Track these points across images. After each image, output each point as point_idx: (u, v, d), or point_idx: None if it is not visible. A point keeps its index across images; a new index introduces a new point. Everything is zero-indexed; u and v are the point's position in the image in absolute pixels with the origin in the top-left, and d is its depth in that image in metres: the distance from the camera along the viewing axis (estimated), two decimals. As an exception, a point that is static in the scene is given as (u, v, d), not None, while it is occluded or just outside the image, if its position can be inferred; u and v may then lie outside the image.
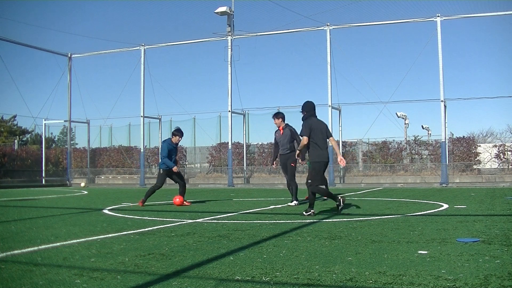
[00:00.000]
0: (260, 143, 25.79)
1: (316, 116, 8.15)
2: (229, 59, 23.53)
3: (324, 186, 9.31)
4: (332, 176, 21.78)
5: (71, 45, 50.43)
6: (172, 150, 10.75)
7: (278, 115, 10.55)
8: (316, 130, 7.86)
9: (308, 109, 8.09)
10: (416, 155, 23.05)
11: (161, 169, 10.76)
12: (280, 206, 10.01)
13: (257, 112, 26.44)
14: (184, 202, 10.52)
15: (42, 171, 27.33)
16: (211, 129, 28.02)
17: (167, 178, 11.01)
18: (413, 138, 23.61)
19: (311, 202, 7.79)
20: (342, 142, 23.51)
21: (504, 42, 29.12)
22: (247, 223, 6.76)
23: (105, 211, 9.19)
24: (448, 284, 3.12)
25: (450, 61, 37.17)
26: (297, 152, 8.52)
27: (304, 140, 7.83)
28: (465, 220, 6.70)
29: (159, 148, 26.98)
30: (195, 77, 42.49)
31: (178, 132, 10.82)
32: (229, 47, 23.49)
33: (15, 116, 37.58)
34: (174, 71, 41.16)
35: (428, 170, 22.35)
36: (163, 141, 10.96)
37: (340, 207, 7.96)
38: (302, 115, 8.14)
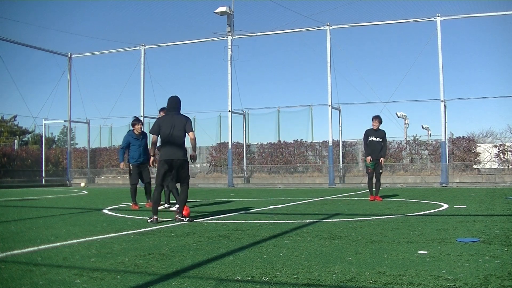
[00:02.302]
0: (260, 143, 25.80)
1: (172, 112, 7.42)
2: (229, 59, 23.53)
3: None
4: (332, 176, 21.79)
5: (71, 45, 50.48)
6: (134, 142, 9.95)
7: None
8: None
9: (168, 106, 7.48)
10: (416, 155, 23.05)
11: (131, 164, 10.01)
12: (280, 206, 10.01)
13: (257, 112, 26.46)
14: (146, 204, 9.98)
15: (42, 171, 27.33)
16: (211, 129, 28.05)
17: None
18: (413, 138, 23.61)
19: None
20: (342, 142, 23.53)
21: (504, 42, 29.13)
22: (247, 223, 6.76)
23: (105, 211, 9.19)
24: (448, 284, 3.12)
25: (450, 61, 37.15)
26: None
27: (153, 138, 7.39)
28: (465, 220, 6.70)
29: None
30: (195, 77, 42.49)
31: (137, 121, 10.16)
32: (229, 47, 23.48)
33: (15, 116, 37.59)
34: (174, 71, 41.13)
35: (428, 170, 22.34)
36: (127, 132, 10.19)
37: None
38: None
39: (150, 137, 7.63)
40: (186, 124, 7.27)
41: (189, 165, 7.36)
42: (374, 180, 10.93)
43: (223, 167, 25.46)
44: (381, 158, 10.96)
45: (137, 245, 4.91)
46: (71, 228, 6.52)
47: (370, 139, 10.82)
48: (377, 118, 10.92)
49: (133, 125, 10.11)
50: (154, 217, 6.95)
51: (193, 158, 7.26)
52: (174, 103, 7.47)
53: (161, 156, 7.31)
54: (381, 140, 10.84)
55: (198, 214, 8.30)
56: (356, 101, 24.56)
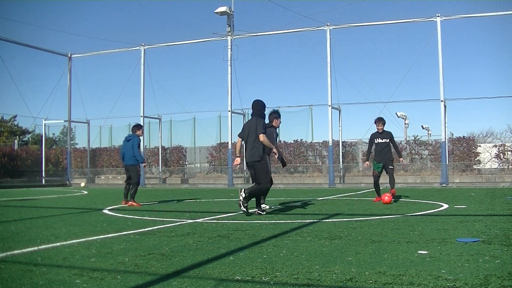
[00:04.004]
0: (260, 143, 25.74)
1: (253, 116, 8.07)
2: (229, 59, 23.53)
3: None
4: (332, 176, 21.79)
5: (71, 45, 50.51)
6: (139, 144, 11.06)
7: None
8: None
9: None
10: (416, 155, 23.05)
11: (138, 165, 10.89)
12: (280, 206, 10.00)
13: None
14: (132, 203, 10.47)
15: (42, 171, 27.32)
16: (211, 129, 28.05)
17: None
18: (413, 138, 23.61)
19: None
20: (342, 142, 23.52)
21: (504, 42, 29.13)
22: (247, 223, 6.76)
23: (105, 211, 9.19)
24: (448, 284, 3.12)
25: (450, 61, 37.14)
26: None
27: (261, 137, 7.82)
28: (465, 220, 6.70)
29: (159, 148, 27.01)
30: (195, 77, 42.50)
31: (141, 126, 11.46)
32: (229, 47, 23.48)
33: (15, 116, 37.62)
34: (174, 71, 41.15)
35: (428, 170, 22.33)
36: (132, 136, 10.94)
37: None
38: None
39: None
40: (257, 127, 7.79)
41: (261, 165, 7.79)
42: (387, 180, 10.92)
43: (223, 167, 25.46)
44: (400, 159, 11.39)
45: (137, 245, 4.91)
46: (71, 228, 6.52)
47: (376, 141, 10.74)
48: (380, 120, 10.81)
49: (138, 129, 11.17)
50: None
51: (276, 154, 8.10)
52: (254, 106, 8.06)
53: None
54: (388, 141, 10.70)
55: (198, 213, 8.30)
56: (356, 101, 24.57)
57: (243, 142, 8.14)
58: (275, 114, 9.41)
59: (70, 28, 50.16)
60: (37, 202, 12.59)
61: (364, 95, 27.13)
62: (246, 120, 25.49)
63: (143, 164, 11.27)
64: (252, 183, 7.95)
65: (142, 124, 11.77)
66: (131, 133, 11.27)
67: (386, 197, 9.92)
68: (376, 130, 10.81)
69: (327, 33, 22.03)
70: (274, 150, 8.13)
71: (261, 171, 7.75)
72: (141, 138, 11.30)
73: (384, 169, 10.78)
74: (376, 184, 10.88)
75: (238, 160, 8.23)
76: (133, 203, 10.46)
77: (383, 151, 10.71)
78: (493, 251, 4.22)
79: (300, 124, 26.35)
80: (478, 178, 21.20)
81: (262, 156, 7.72)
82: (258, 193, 7.91)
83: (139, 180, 10.95)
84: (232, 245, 4.80)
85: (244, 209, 7.70)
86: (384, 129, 10.84)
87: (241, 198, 7.71)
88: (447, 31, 21.91)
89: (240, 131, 8.07)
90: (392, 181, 10.79)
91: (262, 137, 7.70)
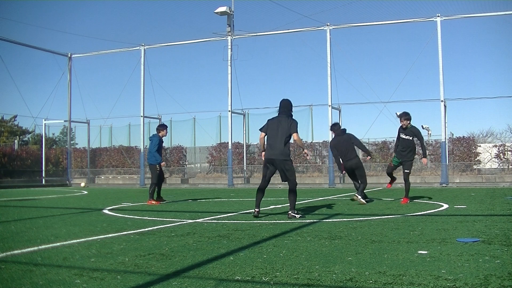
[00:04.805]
0: (260, 143, 25.76)
1: (281, 114, 8.02)
2: (229, 59, 23.53)
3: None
4: (332, 176, 21.78)
5: (71, 45, 50.54)
6: (161, 145, 11.30)
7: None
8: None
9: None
10: (417, 155, 22.97)
11: (157, 165, 11.07)
12: (280, 206, 10.00)
13: (257, 112, 26.40)
14: (151, 201, 10.83)
15: (42, 171, 27.32)
16: (211, 129, 28.04)
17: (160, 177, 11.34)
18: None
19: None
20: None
21: (504, 42, 29.13)
22: (247, 223, 6.76)
23: (105, 211, 9.19)
24: (448, 284, 3.12)
25: (450, 61, 37.11)
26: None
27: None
28: (465, 220, 6.70)
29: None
30: (195, 77, 42.50)
31: (165, 127, 11.49)
32: (229, 47, 23.48)
33: (15, 116, 37.62)
34: (174, 71, 41.17)
35: (428, 170, 22.33)
36: (154, 136, 11.18)
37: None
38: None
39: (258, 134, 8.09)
40: (291, 126, 7.80)
41: (291, 164, 7.83)
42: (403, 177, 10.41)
43: (223, 167, 25.46)
44: (423, 159, 10.55)
45: (137, 245, 4.90)
46: (71, 228, 6.52)
47: (401, 136, 10.20)
48: (403, 115, 10.13)
49: (162, 129, 11.31)
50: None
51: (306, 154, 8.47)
52: (284, 105, 8.09)
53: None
54: (411, 138, 10.03)
55: (198, 213, 8.30)
56: (356, 101, 24.56)
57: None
58: None
59: (70, 28, 50.18)
60: (37, 202, 12.59)
61: (364, 95, 27.10)
62: (246, 120, 25.65)
63: (162, 164, 11.32)
64: (265, 180, 7.86)
65: (166, 124, 11.87)
66: (155, 132, 11.45)
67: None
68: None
69: (327, 33, 22.03)
70: (306, 150, 8.54)
71: (292, 169, 7.79)
72: (163, 138, 11.48)
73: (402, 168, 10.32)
74: (390, 173, 10.69)
75: (263, 154, 8.11)
76: (152, 202, 10.80)
77: (404, 150, 10.15)
78: (493, 251, 4.22)
79: (300, 124, 26.15)
80: (478, 178, 21.20)
81: (289, 155, 7.82)
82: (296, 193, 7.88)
83: (159, 180, 11.14)
84: (232, 245, 4.80)
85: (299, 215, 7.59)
86: (412, 124, 10.11)
87: (292, 214, 7.48)
88: (447, 31, 21.87)
89: (265, 126, 7.86)
90: (405, 187, 10.26)
91: (297, 136, 7.79)
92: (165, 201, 11.47)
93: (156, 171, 11.05)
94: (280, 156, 7.62)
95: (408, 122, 10.07)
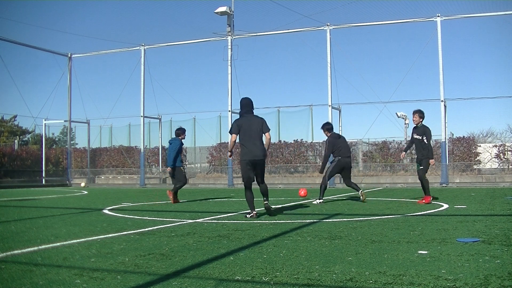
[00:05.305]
0: (260, 143, 25.74)
1: (248, 114, 7.89)
2: (229, 59, 23.53)
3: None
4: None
5: (71, 45, 50.58)
6: (181, 148, 11.72)
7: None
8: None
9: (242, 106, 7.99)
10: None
11: (181, 166, 11.70)
12: (280, 206, 10.01)
13: (257, 112, 26.32)
14: (170, 195, 11.27)
15: (42, 171, 27.32)
16: (211, 129, 28.06)
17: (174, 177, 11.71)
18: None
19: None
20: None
21: (504, 42, 29.12)
22: (247, 223, 6.76)
23: (105, 211, 9.19)
24: (448, 284, 3.12)
25: (450, 61, 37.11)
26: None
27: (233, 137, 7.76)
28: (465, 220, 6.70)
29: (159, 148, 27.01)
30: (195, 77, 42.51)
31: (184, 130, 11.91)
32: (229, 47, 23.48)
33: (15, 116, 37.62)
34: (174, 71, 41.18)
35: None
36: (175, 140, 11.62)
37: (248, 217, 7.53)
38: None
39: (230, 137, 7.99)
40: (264, 125, 7.79)
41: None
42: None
43: (223, 167, 25.46)
44: (430, 160, 9.76)
45: (137, 245, 4.90)
46: (71, 228, 6.52)
47: (414, 136, 9.94)
48: (415, 113, 9.89)
49: (183, 133, 11.75)
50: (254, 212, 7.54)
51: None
52: (248, 104, 8.00)
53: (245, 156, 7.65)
54: (420, 138, 9.73)
55: (198, 213, 8.30)
56: (356, 101, 24.54)
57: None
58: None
59: (70, 28, 50.20)
60: (37, 202, 12.59)
61: (364, 95, 27.12)
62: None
63: (168, 169, 11.77)
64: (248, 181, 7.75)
65: (185, 128, 12.14)
66: (174, 136, 11.92)
67: (302, 191, 11.83)
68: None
69: (327, 33, 22.02)
70: (270, 150, 8.31)
71: (264, 169, 7.88)
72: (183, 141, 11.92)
73: None
74: (422, 183, 9.95)
75: (230, 155, 8.18)
76: (171, 196, 11.21)
77: (417, 149, 9.93)
78: (493, 251, 4.22)
79: (300, 124, 26.35)
80: (478, 178, 21.20)
81: None
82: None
83: (184, 180, 11.56)
84: (232, 245, 4.80)
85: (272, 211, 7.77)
86: (423, 123, 9.85)
87: (267, 208, 7.70)
88: (447, 31, 21.87)
89: (235, 127, 7.70)
90: (422, 186, 9.87)
91: (269, 136, 7.83)
92: (179, 201, 11.56)
93: (182, 172, 11.56)
94: (262, 156, 7.64)
95: (420, 119, 9.88)
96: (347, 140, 11.18)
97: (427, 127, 9.90)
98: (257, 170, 7.67)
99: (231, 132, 7.82)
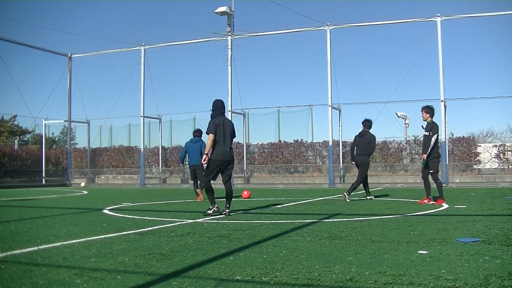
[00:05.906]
0: (260, 143, 25.78)
1: (221, 115, 8.06)
2: (229, 59, 23.53)
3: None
4: (332, 176, 21.79)
5: (71, 45, 50.53)
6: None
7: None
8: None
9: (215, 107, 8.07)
10: (416, 155, 23.03)
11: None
12: (280, 206, 10.01)
13: (257, 112, 26.36)
14: (200, 192, 11.88)
15: (42, 171, 27.32)
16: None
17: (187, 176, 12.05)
18: (413, 138, 23.60)
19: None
20: (342, 142, 23.51)
21: (504, 42, 29.06)
22: (247, 223, 6.76)
23: (105, 211, 9.19)
24: (448, 284, 3.12)
25: (450, 61, 37.01)
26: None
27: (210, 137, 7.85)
28: (465, 220, 6.70)
29: (159, 148, 27.01)
30: (195, 77, 42.42)
31: (202, 132, 12.24)
32: (229, 47, 23.48)
33: (15, 116, 37.59)
34: (174, 71, 41.08)
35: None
36: (198, 139, 12.19)
37: (210, 213, 8.06)
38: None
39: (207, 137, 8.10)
40: (233, 128, 8.08)
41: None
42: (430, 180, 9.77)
43: (223, 167, 25.42)
44: (423, 155, 9.70)
45: (137, 245, 4.91)
46: (71, 228, 6.52)
47: (424, 133, 9.75)
48: (424, 109, 9.71)
49: (200, 134, 12.26)
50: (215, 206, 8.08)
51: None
52: (222, 106, 8.09)
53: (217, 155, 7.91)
54: (428, 134, 9.51)
55: (198, 213, 8.30)
56: (356, 101, 24.52)
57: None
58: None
59: (70, 28, 50.11)
60: (37, 202, 12.59)
61: (364, 95, 27.08)
62: (246, 120, 25.65)
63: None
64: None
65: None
66: (194, 136, 12.38)
67: (245, 192, 12.41)
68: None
69: (327, 33, 22.03)
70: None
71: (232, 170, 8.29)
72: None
73: None
74: (424, 183, 9.85)
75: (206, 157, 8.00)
76: (200, 193, 11.77)
77: (424, 147, 9.70)
78: (493, 251, 4.22)
79: (300, 124, 26.33)
80: (478, 178, 21.20)
81: None
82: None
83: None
84: (232, 245, 4.80)
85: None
86: (433, 121, 9.67)
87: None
88: (447, 31, 21.82)
89: (212, 127, 7.73)
90: (437, 188, 9.66)
91: (211, 137, 7.82)
92: (200, 200, 11.85)
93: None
94: (232, 157, 8.04)
95: (427, 115, 9.67)
96: (373, 140, 11.55)
97: (435, 123, 9.68)
98: (227, 170, 8.08)
99: (209, 132, 7.80)
